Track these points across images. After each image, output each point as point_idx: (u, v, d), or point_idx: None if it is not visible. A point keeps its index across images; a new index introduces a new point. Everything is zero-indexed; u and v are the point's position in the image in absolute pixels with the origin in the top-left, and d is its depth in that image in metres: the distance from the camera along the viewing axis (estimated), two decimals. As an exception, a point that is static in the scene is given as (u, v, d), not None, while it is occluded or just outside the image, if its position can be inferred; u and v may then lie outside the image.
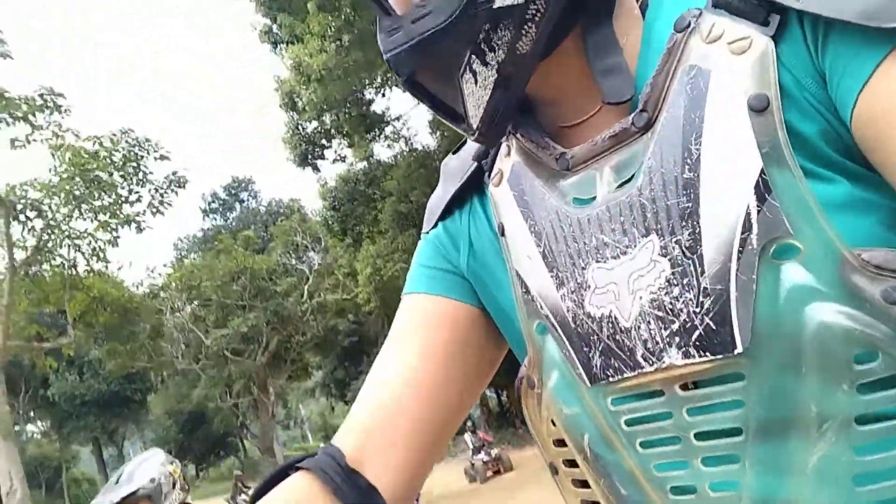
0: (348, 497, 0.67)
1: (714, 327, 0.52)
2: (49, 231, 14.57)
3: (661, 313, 0.55)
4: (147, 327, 19.71)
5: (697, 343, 0.53)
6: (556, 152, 0.62)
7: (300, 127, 16.28)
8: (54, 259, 15.01)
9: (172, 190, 16.23)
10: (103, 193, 14.80)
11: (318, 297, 20.97)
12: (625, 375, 0.58)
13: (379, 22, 0.61)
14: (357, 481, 0.68)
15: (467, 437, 15.19)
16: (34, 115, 13.41)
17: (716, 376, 0.53)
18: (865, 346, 0.48)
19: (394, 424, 0.71)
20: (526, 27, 0.56)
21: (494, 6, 0.55)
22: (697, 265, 0.53)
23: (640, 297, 0.56)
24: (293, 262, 22.36)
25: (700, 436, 0.56)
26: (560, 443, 0.67)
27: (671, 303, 0.54)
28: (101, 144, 14.55)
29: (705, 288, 0.52)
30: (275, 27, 15.03)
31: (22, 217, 14.30)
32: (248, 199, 34.27)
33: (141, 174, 15.41)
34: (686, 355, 0.54)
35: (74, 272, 15.28)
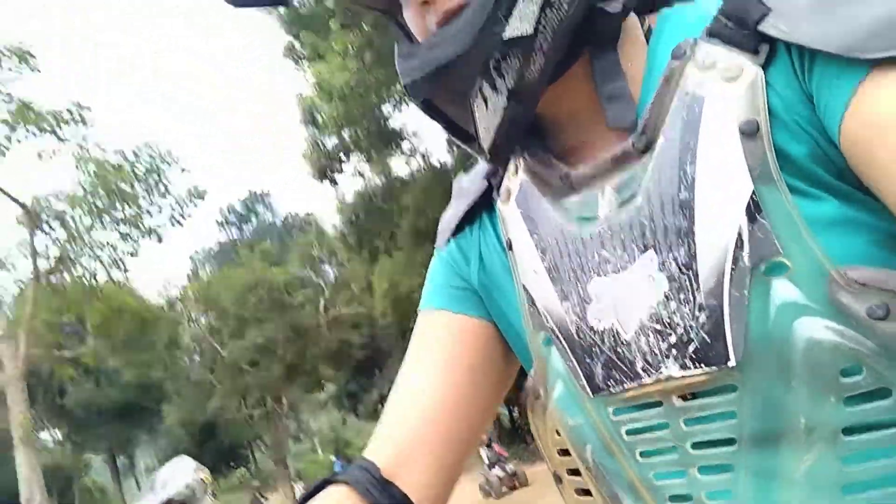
0: None
1: (709, 340, 0.54)
2: (72, 242, 14.80)
3: (659, 327, 0.57)
4: (164, 338, 19.87)
5: (693, 355, 0.55)
6: (561, 172, 0.64)
7: (319, 143, 16.51)
8: (76, 269, 15.23)
9: (192, 202, 16.46)
10: (125, 205, 15.04)
11: (333, 310, 21.10)
12: (626, 386, 0.60)
13: (398, 48, 0.65)
14: (392, 492, 0.70)
15: (483, 451, 15.05)
16: (61, 127, 13.69)
17: (711, 388, 0.56)
18: (851, 360, 0.50)
19: (423, 439, 0.73)
20: (534, 55, 0.59)
21: (505, 36, 0.58)
22: (693, 281, 0.55)
23: (640, 311, 0.58)
24: (309, 274, 22.50)
25: (696, 445, 0.58)
26: (564, 452, 0.69)
27: (669, 317, 0.56)
28: (124, 157, 14.81)
29: (700, 303, 0.54)
30: (297, 44, 15.31)
31: (46, 228, 14.55)
32: (264, 213, 34.54)
33: (162, 186, 15.65)
34: (683, 367, 0.56)
35: (95, 282, 15.48)
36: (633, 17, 0.66)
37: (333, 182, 17.36)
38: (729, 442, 0.56)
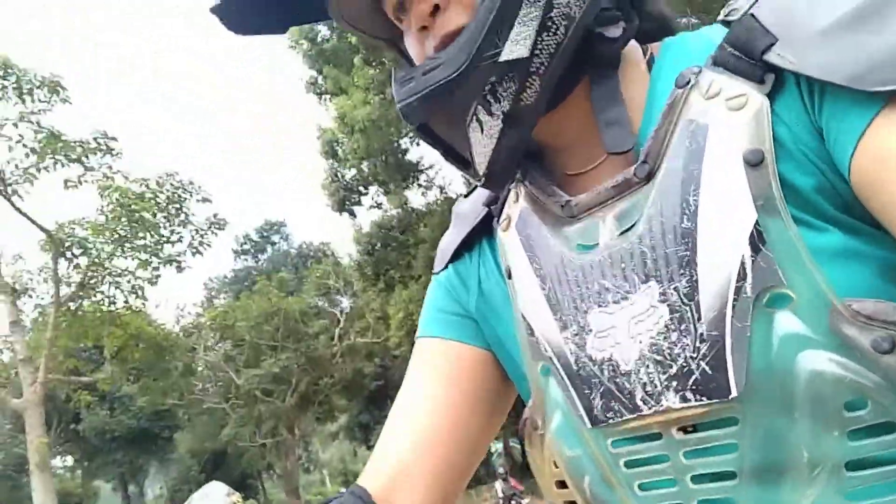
0: None
1: (710, 372, 0.53)
2: (93, 269, 15.00)
3: (659, 357, 0.56)
4: (180, 365, 19.98)
5: (694, 387, 0.54)
6: (562, 199, 0.64)
7: (339, 174, 16.78)
8: (95, 295, 15.41)
9: (213, 232, 16.67)
10: (147, 233, 15.24)
11: (347, 340, 21.17)
12: (624, 418, 0.59)
13: (394, 72, 0.65)
14: None
15: (498, 485, 14.93)
16: (87, 157, 13.98)
17: (711, 420, 0.54)
18: (856, 393, 0.49)
19: (416, 466, 0.72)
20: (530, 80, 0.58)
21: (500, 59, 0.57)
22: (695, 311, 0.54)
23: (640, 342, 0.57)
24: (325, 304, 22.61)
25: (697, 479, 0.56)
26: (561, 484, 0.69)
27: (669, 347, 0.55)
28: (147, 186, 15.06)
29: (702, 334, 0.53)
30: (320, 79, 15.64)
31: (68, 254, 14.77)
32: (279, 242, 34.82)
33: (183, 215, 15.87)
34: (683, 399, 0.55)
35: (114, 308, 15.64)
36: (634, 45, 0.67)
37: (352, 214, 17.62)
38: (730, 476, 0.54)
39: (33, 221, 13.83)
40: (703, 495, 0.56)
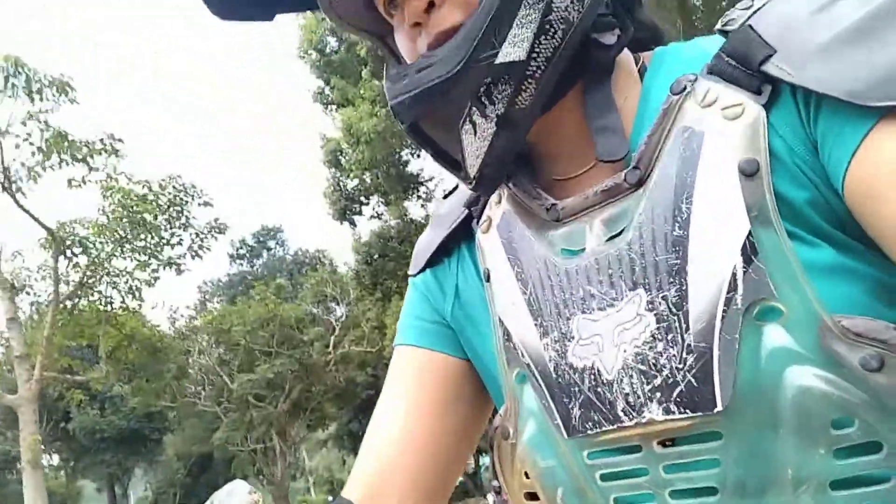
0: None
1: (696, 384, 0.52)
2: (92, 268, 15.06)
3: (644, 367, 0.54)
4: (173, 367, 19.97)
5: (678, 399, 0.53)
6: (548, 203, 0.63)
7: (341, 184, 16.91)
8: (92, 295, 15.45)
9: (213, 235, 16.75)
10: (148, 235, 15.31)
11: (342, 348, 21.21)
12: (604, 429, 0.57)
13: (386, 70, 0.64)
14: None
15: (490, 498, 14.96)
16: (92, 157, 14.06)
17: (694, 433, 0.53)
18: (843, 411, 0.48)
19: (394, 476, 0.71)
20: (526, 83, 0.57)
21: (496, 61, 0.56)
22: (683, 322, 0.53)
23: (624, 351, 0.55)
24: (320, 312, 22.65)
25: (676, 494, 0.55)
26: (532, 497, 0.67)
27: (655, 357, 0.54)
28: (149, 188, 15.15)
29: (689, 344, 0.52)
30: (327, 89, 15.80)
31: (69, 253, 14.82)
32: (275, 248, 34.84)
33: (184, 218, 15.95)
34: (667, 411, 0.53)
35: (111, 308, 15.69)
36: (626, 53, 0.66)
37: (353, 224, 17.75)
38: (711, 491, 0.53)
39: (36, 219, 13.88)
40: None
